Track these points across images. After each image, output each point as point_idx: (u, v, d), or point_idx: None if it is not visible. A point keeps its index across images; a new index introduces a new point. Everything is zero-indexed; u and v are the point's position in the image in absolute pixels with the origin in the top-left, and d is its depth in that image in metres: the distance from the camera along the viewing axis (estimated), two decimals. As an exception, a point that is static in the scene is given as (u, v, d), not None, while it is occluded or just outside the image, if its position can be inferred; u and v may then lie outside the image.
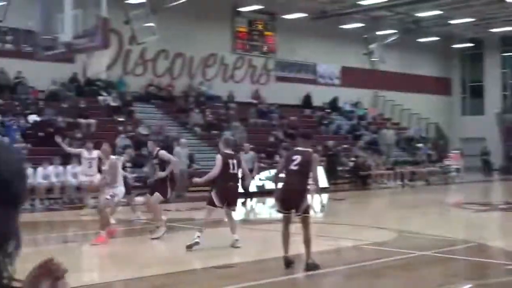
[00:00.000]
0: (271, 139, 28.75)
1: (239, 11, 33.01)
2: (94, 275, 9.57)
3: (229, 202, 11.16)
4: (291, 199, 9.35)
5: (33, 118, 23.35)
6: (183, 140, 23.37)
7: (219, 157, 11.27)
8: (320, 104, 35.60)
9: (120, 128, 24.76)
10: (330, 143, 28.31)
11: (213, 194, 11.10)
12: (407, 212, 19.36)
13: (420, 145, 34.81)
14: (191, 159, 23.66)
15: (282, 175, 9.70)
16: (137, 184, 18.38)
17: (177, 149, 22.42)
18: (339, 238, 11.50)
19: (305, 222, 9.24)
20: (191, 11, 29.25)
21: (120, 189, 12.44)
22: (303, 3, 32.73)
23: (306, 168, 9.35)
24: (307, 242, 9.19)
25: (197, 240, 10.68)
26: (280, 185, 9.58)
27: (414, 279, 9.04)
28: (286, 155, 10.28)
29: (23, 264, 1.62)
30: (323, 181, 10.41)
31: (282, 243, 9.34)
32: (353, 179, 27.94)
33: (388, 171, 29.71)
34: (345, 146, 30.34)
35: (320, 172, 16.20)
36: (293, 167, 9.32)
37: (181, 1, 27.77)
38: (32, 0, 16.23)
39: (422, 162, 31.89)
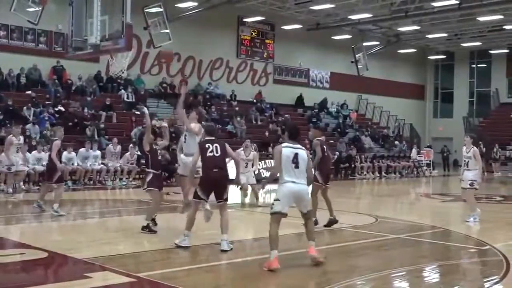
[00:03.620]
0: (266, 133, 28.87)
1: (244, 21, 32.91)
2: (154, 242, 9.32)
3: None
4: None
5: (60, 109, 23.23)
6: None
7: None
8: (311, 104, 35.57)
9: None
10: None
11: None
12: (383, 200, 19.36)
13: (396, 142, 34.85)
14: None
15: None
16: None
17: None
18: (323, 221, 11.43)
19: None
20: (202, 20, 29.20)
21: None
22: (299, 16, 32.72)
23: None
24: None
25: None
26: None
27: (387, 259, 9.00)
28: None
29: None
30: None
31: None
32: (337, 170, 27.79)
33: (368, 164, 29.70)
34: (331, 141, 30.27)
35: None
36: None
37: (193, 12, 27.89)
38: (63, 6, 16.16)
39: (397, 157, 31.88)
